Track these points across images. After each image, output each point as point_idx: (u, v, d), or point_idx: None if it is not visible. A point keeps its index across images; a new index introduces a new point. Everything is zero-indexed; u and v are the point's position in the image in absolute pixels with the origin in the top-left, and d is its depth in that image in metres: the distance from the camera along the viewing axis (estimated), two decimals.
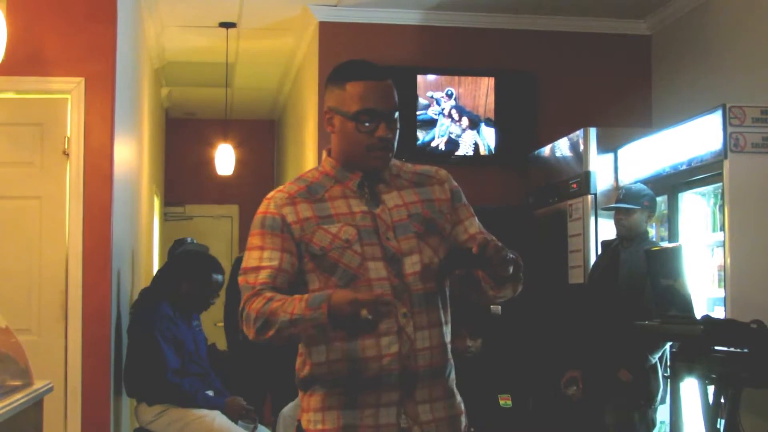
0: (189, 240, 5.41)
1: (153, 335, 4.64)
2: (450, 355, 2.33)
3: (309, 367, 2.27)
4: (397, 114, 2.30)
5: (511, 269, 2.21)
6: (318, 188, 2.30)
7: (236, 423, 4.82)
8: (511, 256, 2.19)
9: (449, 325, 2.34)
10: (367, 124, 2.25)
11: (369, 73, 2.28)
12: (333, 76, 2.32)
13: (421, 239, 2.27)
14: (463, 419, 2.35)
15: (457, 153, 6.75)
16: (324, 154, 2.38)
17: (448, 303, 2.35)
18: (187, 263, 5.07)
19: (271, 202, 2.29)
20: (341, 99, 2.27)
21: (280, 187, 2.34)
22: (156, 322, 4.69)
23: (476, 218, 2.41)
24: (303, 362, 2.30)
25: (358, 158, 2.29)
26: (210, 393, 4.85)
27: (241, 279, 2.27)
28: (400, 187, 2.33)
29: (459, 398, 2.35)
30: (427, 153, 6.66)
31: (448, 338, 2.32)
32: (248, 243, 2.30)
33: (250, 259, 2.26)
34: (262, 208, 2.30)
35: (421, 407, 2.24)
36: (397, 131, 2.32)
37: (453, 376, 2.34)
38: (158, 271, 5.29)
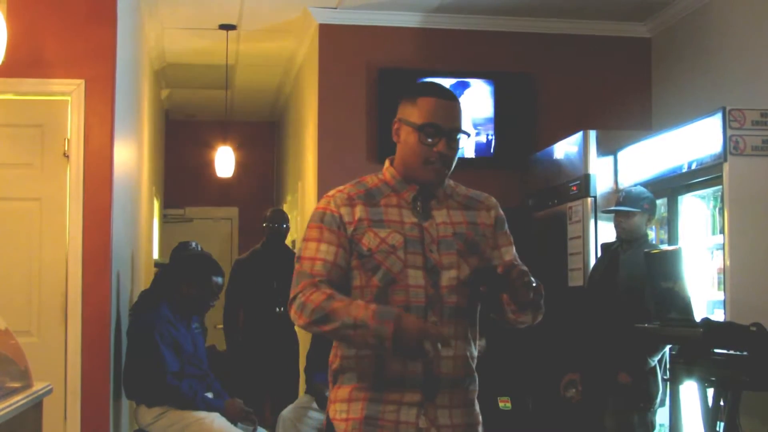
0: (194, 244, 5.41)
1: (152, 337, 4.64)
2: (473, 369, 2.46)
3: (339, 359, 2.41)
4: (460, 136, 2.44)
5: (532, 295, 2.32)
6: (376, 193, 2.45)
7: (235, 425, 4.81)
8: (534, 283, 2.31)
9: (475, 342, 2.48)
10: (430, 139, 2.40)
11: (440, 93, 2.45)
12: (408, 90, 2.50)
13: (461, 257, 2.41)
14: (480, 429, 2.47)
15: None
16: (387, 162, 2.52)
17: (477, 322, 2.50)
18: (186, 265, 5.07)
19: (332, 200, 2.44)
20: (411, 111, 2.43)
21: (341, 188, 2.48)
22: (155, 324, 4.70)
23: (514, 247, 2.55)
24: (334, 354, 2.44)
25: (415, 169, 2.43)
26: (209, 395, 4.85)
27: (297, 266, 2.40)
28: (450, 206, 2.48)
29: (478, 410, 2.47)
30: None
31: (472, 353, 2.45)
32: (306, 234, 2.44)
33: (308, 249, 2.40)
34: (322, 204, 2.45)
35: (440, 411, 2.36)
36: (457, 152, 2.46)
37: (474, 388, 2.46)
38: (158, 273, 5.29)
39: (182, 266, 5.09)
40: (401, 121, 2.46)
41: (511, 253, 2.53)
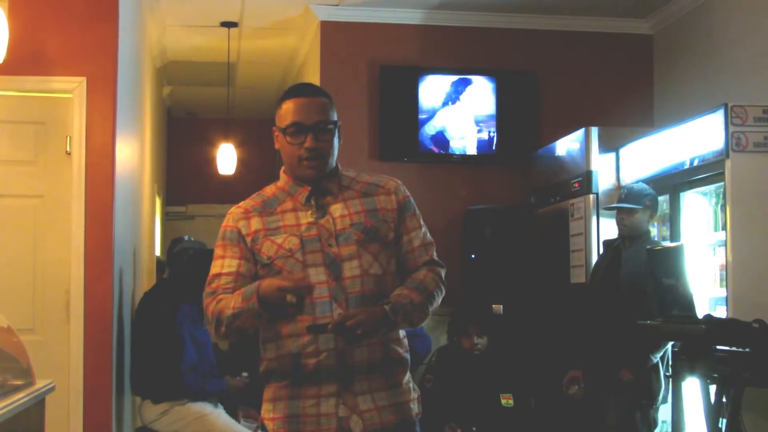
0: (186, 238, 5.41)
1: (181, 334, 4.65)
2: (395, 351, 2.51)
3: (264, 362, 2.54)
4: (330, 126, 2.52)
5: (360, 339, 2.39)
6: (273, 202, 2.57)
7: (239, 422, 4.82)
8: (359, 332, 2.34)
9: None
10: (295, 138, 2.50)
11: (299, 92, 2.55)
12: (278, 100, 2.59)
13: (361, 246, 2.49)
14: (414, 405, 2.54)
15: (458, 153, 6.75)
16: (281, 171, 2.63)
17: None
18: (186, 259, 5.08)
19: (230, 217, 2.58)
20: (279, 117, 2.56)
21: (240, 203, 2.62)
22: (185, 321, 4.71)
23: (423, 229, 2.61)
24: (260, 359, 2.56)
25: (295, 169, 2.54)
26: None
27: (206, 288, 2.54)
28: (347, 197, 2.56)
29: (409, 387, 2.53)
30: (429, 152, 6.66)
31: (391, 337, 2.50)
32: (214, 254, 2.58)
33: (214, 267, 2.55)
34: (224, 222, 2.59)
35: (360, 398, 2.45)
36: (333, 141, 2.54)
37: (400, 369, 2.52)
38: (168, 274, 5.31)
39: (182, 260, 5.09)
40: (276, 129, 2.57)
41: (419, 238, 2.59)
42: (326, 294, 2.43)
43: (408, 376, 2.56)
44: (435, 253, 2.61)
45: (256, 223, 2.52)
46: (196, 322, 4.82)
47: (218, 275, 2.51)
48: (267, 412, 2.52)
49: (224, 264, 2.52)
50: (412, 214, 2.60)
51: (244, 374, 5.17)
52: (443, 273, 2.59)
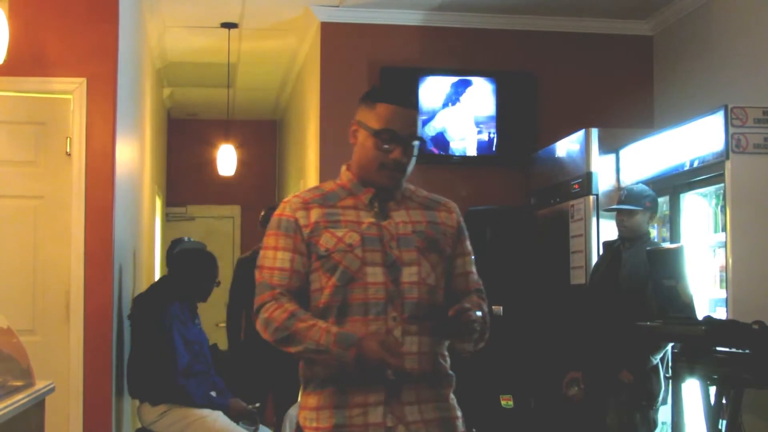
0: (186, 239, 5.42)
1: (171, 335, 4.65)
2: (443, 366, 2.44)
3: (306, 365, 2.43)
4: (416, 143, 2.47)
5: (475, 336, 2.35)
6: (332, 197, 2.47)
7: (238, 424, 4.82)
8: (478, 326, 2.33)
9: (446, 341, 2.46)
10: (386, 145, 2.43)
11: (399, 100, 2.48)
12: (367, 94, 2.53)
13: (421, 254, 2.42)
14: (460, 424, 2.45)
15: (458, 154, 6.75)
16: (343, 167, 2.55)
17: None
18: (184, 260, 5.08)
19: (287, 206, 2.47)
20: (369, 116, 2.47)
21: (297, 193, 2.52)
22: (174, 322, 4.70)
23: (473, 257, 2.59)
24: (303, 361, 2.44)
25: (371, 173, 2.46)
26: (213, 393, 4.86)
27: (257, 274, 2.45)
28: (409, 207, 2.50)
29: (454, 404, 2.46)
30: (429, 153, 6.66)
31: (440, 351, 2.44)
32: (264, 242, 2.47)
33: (266, 258, 2.44)
34: (278, 211, 2.48)
35: (408, 408, 2.35)
36: (413, 159, 2.49)
37: (447, 383, 2.45)
38: (163, 277, 5.32)
39: (180, 261, 5.10)
40: (359, 124, 2.48)
41: (472, 264, 2.57)
42: (382, 295, 2.35)
43: (452, 392, 2.47)
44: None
45: (316, 214, 2.42)
46: (187, 322, 4.82)
47: (271, 269, 2.42)
48: (309, 421, 2.39)
49: (276, 257, 2.42)
50: (466, 238, 2.57)
51: (257, 405, 5.13)
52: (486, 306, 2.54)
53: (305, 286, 2.41)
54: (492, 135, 6.80)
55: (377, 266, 2.37)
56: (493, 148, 6.81)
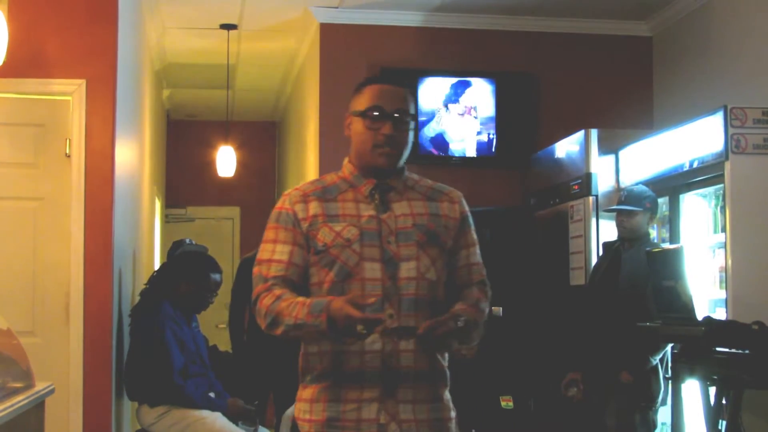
0: (188, 241, 5.41)
1: (163, 335, 4.64)
2: (440, 364, 2.43)
3: (303, 357, 2.44)
4: (408, 119, 2.44)
5: (453, 344, 2.34)
6: (333, 189, 2.46)
7: (237, 425, 4.82)
8: (461, 324, 2.28)
9: None
10: (375, 122, 2.41)
11: (383, 80, 2.49)
12: (357, 85, 2.52)
13: (421, 248, 2.40)
14: (452, 426, 2.44)
15: (458, 155, 6.75)
16: (345, 160, 2.53)
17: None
18: (184, 264, 5.07)
19: (287, 199, 2.46)
20: (358, 101, 2.47)
21: (298, 186, 2.51)
22: (166, 322, 4.70)
23: (478, 247, 2.55)
24: (301, 352, 2.46)
25: (367, 156, 2.44)
26: (212, 395, 4.86)
27: (255, 269, 2.43)
28: (411, 198, 2.47)
29: (449, 404, 2.44)
30: (428, 154, 6.66)
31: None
32: (264, 235, 2.46)
33: (264, 251, 2.44)
34: (278, 204, 2.48)
35: (402, 406, 2.34)
36: (409, 135, 2.46)
37: (443, 383, 2.43)
38: (156, 272, 5.29)
39: (179, 265, 5.09)
40: (351, 114, 2.48)
41: (476, 255, 2.53)
42: (379, 291, 2.33)
43: (448, 391, 2.46)
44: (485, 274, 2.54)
45: (314, 208, 2.41)
46: (181, 323, 4.81)
47: (269, 261, 2.40)
48: (303, 413, 2.42)
49: (275, 249, 2.41)
50: (472, 229, 2.54)
51: (255, 403, 5.13)
52: (490, 295, 2.53)
53: (305, 280, 2.41)
54: (491, 136, 6.80)
55: (375, 262, 2.36)
56: (493, 149, 6.80)
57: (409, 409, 2.34)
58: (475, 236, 2.55)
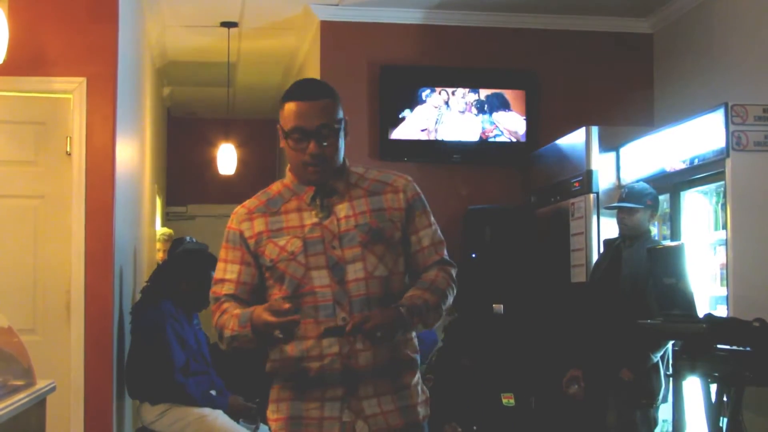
0: (188, 239, 5.41)
1: (164, 333, 4.64)
2: (404, 353, 2.46)
3: (269, 363, 2.50)
4: (334, 128, 2.42)
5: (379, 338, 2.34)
6: (277, 201, 2.50)
7: (238, 422, 4.82)
8: (379, 335, 2.30)
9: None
10: (298, 144, 2.42)
11: (300, 95, 2.44)
12: (282, 96, 2.48)
13: (365, 248, 2.43)
14: (422, 409, 2.49)
15: (458, 152, 6.75)
16: (288, 168, 2.55)
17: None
18: (184, 262, 5.07)
19: (234, 218, 2.52)
20: (282, 119, 2.46)
21: (245, 202, 2.56)
22: (167, 320, 4.70)
23: (434, 227, 2.54)
24: (266, 359, 2.52)
25: (299, 173, 2.47)
26: (213, 392, 4.85)
27: (211, 290, 2.53)
28: (353, 197, 2.48)
29: (417, 390, 2.48)
30: (429, 152, 6.66)
31: (402, 338, 2.44)
32: (219, 254, 2.55)
33: (218, 270, 2.53)
34: (228, 223, 2.53)
35: (365, 402, 2.40)
36: (338, 143, 2.44)
37: (409, 370, 2.47)
38: (156, 270, 5.28)
39: (180, 263, 5.08)
40: (280, 129, 2.48)
41: (429, 236, 2.51)
42: (329, 297, 2.38)
43: (417, 377, 2.50)
44: (446, 252, 2.54)
45: (259, 225, 2.46)
46: (182, 321, 4.81)
47: (222, 281, 2.50)
48: (271, 412, 2.50)
49: (227, 269, 2.50)
50: (422, 212, 2.52)
51: (257, 400, 5.12)
52: (454, 272, 2.53)
53: (256, 297, 2.47)
54: (492, 133, 6.80)
55: (322, 269, 2.40)
56: (493, 147, 6.80)
57: (374, 404, 2.40)
58: (428, 218, 2.53)
